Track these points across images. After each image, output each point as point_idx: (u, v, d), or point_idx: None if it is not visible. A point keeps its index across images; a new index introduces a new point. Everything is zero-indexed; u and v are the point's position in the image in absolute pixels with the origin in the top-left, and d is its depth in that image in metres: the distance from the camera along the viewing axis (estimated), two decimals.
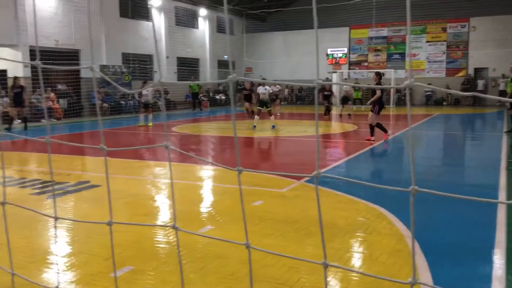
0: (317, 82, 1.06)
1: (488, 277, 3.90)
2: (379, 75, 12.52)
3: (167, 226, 1.27)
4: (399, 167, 9.63)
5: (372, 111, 12.31)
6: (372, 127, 12.45)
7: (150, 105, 17.30)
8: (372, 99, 12.26)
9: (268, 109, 16.16)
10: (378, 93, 12.19)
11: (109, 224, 1.49)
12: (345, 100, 22.15)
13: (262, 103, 16.16)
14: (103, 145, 1.47)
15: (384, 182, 7.80)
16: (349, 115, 21.20)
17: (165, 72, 27.67)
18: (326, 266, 1.16)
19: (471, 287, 3.79)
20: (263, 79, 33.61)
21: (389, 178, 8.18)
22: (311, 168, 8.87)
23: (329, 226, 5.33)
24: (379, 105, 12.27)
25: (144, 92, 16.90)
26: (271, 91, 16.45)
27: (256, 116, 16.21)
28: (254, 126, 15.95)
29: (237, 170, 1.24)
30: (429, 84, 29.94)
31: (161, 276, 3.99)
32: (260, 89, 16.19)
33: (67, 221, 5.72)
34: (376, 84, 12.53)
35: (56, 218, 1.55)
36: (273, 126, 15.91)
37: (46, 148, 8.97)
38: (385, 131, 12.40)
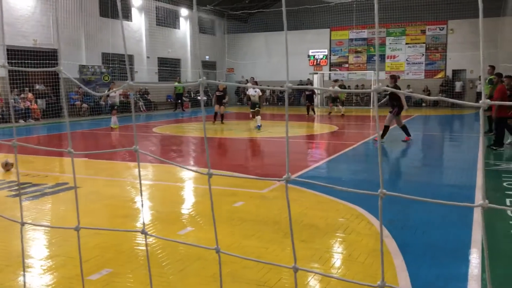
0: (288, 85, 1.06)
1: (465, 276, 3.96)
2: (394, 78, 12.73)
3: (136, 231, 1.25)
4: (376, 168, 9.73)
5: (390, 112, 12.57)
6: (404, 128, 12.74)
7: (116, 107, 16.93)
8: (404, 105, 12.49)
9: (257, 109, 16.41)
10: (402, 96, 12.40)
11: (77, 229, 1.47)
12: (334, 99, 22.83)
13: (253, 105, 16.50)
14: (71, 149, 1.45)
15: (362, 182, 7.87)
16: (342, 115, 22.06)
17: (145, 72, 27.47)
18: (296, 270, 1.16)
19: (448, 286, 3.85)
20: (246, 80, 33.63)
21: (368, 179, 8.24)
22: (291, 169, 8.90)
23: (309, 226, 5.36)
24: (399, 107, 12.44)
25: (112, 93, 16.60)
26: (260, 93, 16.78)
27: (253, 118, 16.78)
28: (259, 126, 16.16)
29: (207, 174, 1.23)
30: (408, 85, 30.38)
31: (139, 278, 3.96)
32: (250, 91, 16.54)
33: (44, 223, 5.64)
34: (393, 87, 12.60)
35: (22, 223, 1.52)
36: (259, 127, 16.10)
37: (22, 149, 8.79)
38: (384, 134, 12.69)
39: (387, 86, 12.50)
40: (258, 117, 16.34)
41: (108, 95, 17.17)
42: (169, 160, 10.34)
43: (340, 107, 22.83)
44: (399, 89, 12.97)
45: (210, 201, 6.40)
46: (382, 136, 12.63)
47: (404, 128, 12.78)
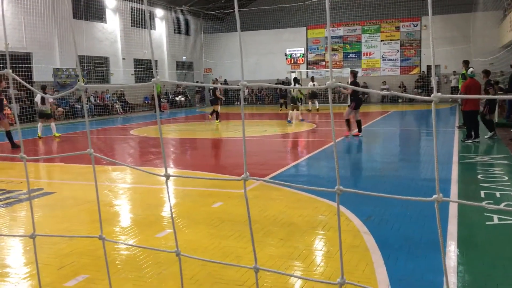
0: (242, 83, 1.06)
1: (441, 269, 4.02)
2: (353, 73, 13.31)
3: (93, 237, 1.22)
4: (355, 163, 9.82)
5: (348, 106, 13.08)
6: (348, 122, 13.03)
7: (51, 114, 15.25)
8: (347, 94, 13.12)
9: (296, 105, 17.96)
10: (349, 90, 12.97)
11: (32, 237, 1.43)
12: (313, 95, 24.75)
13: (294, 100, 17.92)
14: (23, 154, 1.42)
15: (340, 179, 7.91)
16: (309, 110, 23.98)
17: (121, 74, 27.17)
18: (257, 270, 1.16)
19: (424, 279, 3.90)
20: (224, 79, 33.56)
21: (345, 175, 8.31)
22: (270, 168, 8.92)
23: (288, 224, 5.37)
24: (356, 101, 12.91)
25: (36, 99, 14.97)
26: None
27: (295, 111, 17.89)
28: (289, 121, 17.68)
29: (164, 176, 1.21)
30: (383, 82, 30.75)
31: (116, 283, 3.91)
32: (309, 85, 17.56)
33: (19, 231, 5.52)
34: (352, 82, 13.18)
35: None
36: (289, 121, 17.65)
37: None
38: (359, 128, 13.21)
39: (348, 81, 13.35)
40: (293, 112, 17.79)
41: (43, 100, 14.78)
42: (147, 162, 10.25)
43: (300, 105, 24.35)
44: (358, 85, 13.57)
45: (189, 202, 6.34)
46: (351, 129, 13.09)
47: (359, 124, 13.19)
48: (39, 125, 14.88)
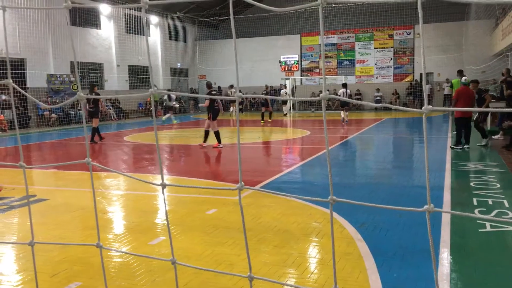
0: (238, 95, 1.07)
1: (434, 276, 4.03)
2: (207, 85, 13.48)
3: (90, 245, 1.22)
4: (348, 170, 9.84)
5: (208, 118, 12.86)
6: (217, 134, 12.95)
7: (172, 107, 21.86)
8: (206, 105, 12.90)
9: (348, 107, 19.73)
10: (207, 102, 12.74)
11: (31, 244, 1.44)
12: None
13: (343, 104, 19.42)
14: (22, 163, 1.43)
15: (334, 186, 7.93)
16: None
17: (115, 80, 27.14)
18: (251, 279, 1.17)
19: (417, 287, 3.91)
20: (218, 86, 33.59)
21: (340, 182, 8.33)
22: (264, 175, 8.93)
23: (282, 231, 5.38)
24: (213, 112, 12.77)
25: (165, 97, 21.30)
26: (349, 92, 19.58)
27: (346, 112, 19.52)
28: (346, 121, 19.58)
29: (160, 185, 1.22)
30: (377, 89, 30.91)
31: None
32: (341, 92, 18.94)
33: (12, 238, 5.49)
34: (207, 93, 13.17)
35: None
36: (346, 121, 19.43)
37: None
38: (219, 141, 13.03)
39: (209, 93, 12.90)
40: (346, 113, 19.31)
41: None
42: (141, 169, 10.22)
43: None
44: (215, 95, 13.19)
45: (183, 209, 6.32)
46: (205, 140, 13.14)
47: (217, 135, 13.00)
48: (167, 115, 22.23)
